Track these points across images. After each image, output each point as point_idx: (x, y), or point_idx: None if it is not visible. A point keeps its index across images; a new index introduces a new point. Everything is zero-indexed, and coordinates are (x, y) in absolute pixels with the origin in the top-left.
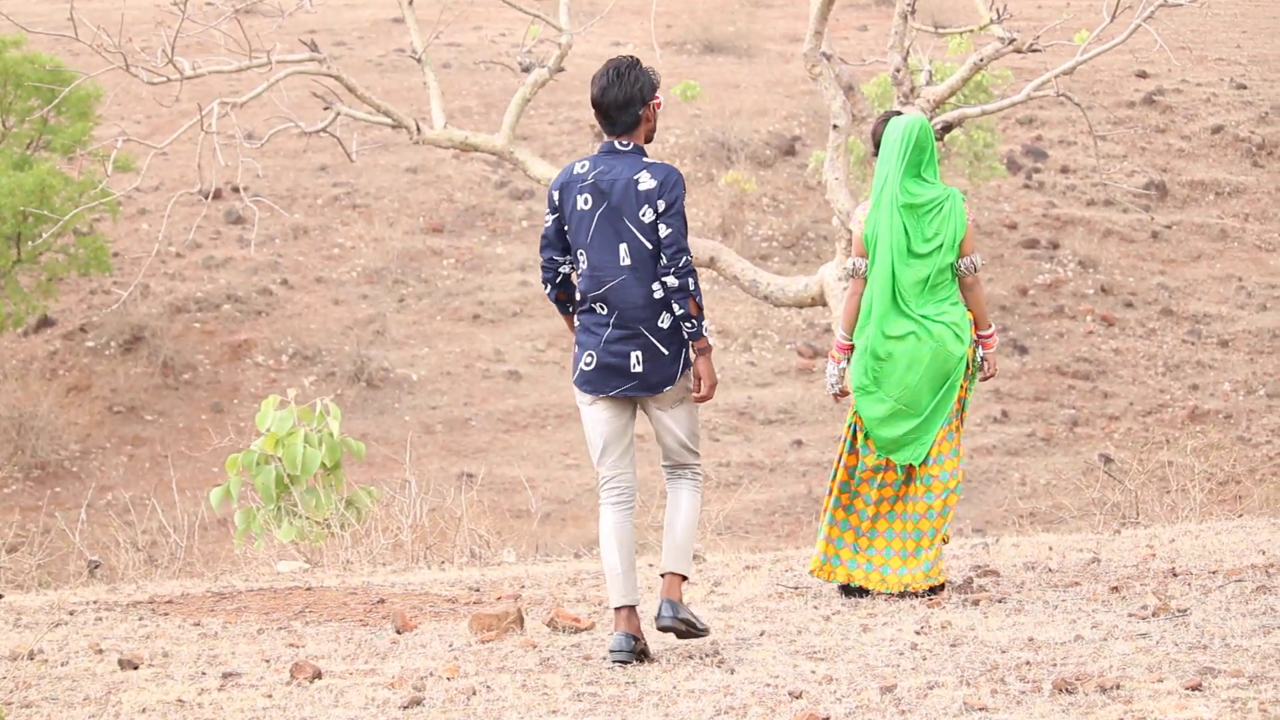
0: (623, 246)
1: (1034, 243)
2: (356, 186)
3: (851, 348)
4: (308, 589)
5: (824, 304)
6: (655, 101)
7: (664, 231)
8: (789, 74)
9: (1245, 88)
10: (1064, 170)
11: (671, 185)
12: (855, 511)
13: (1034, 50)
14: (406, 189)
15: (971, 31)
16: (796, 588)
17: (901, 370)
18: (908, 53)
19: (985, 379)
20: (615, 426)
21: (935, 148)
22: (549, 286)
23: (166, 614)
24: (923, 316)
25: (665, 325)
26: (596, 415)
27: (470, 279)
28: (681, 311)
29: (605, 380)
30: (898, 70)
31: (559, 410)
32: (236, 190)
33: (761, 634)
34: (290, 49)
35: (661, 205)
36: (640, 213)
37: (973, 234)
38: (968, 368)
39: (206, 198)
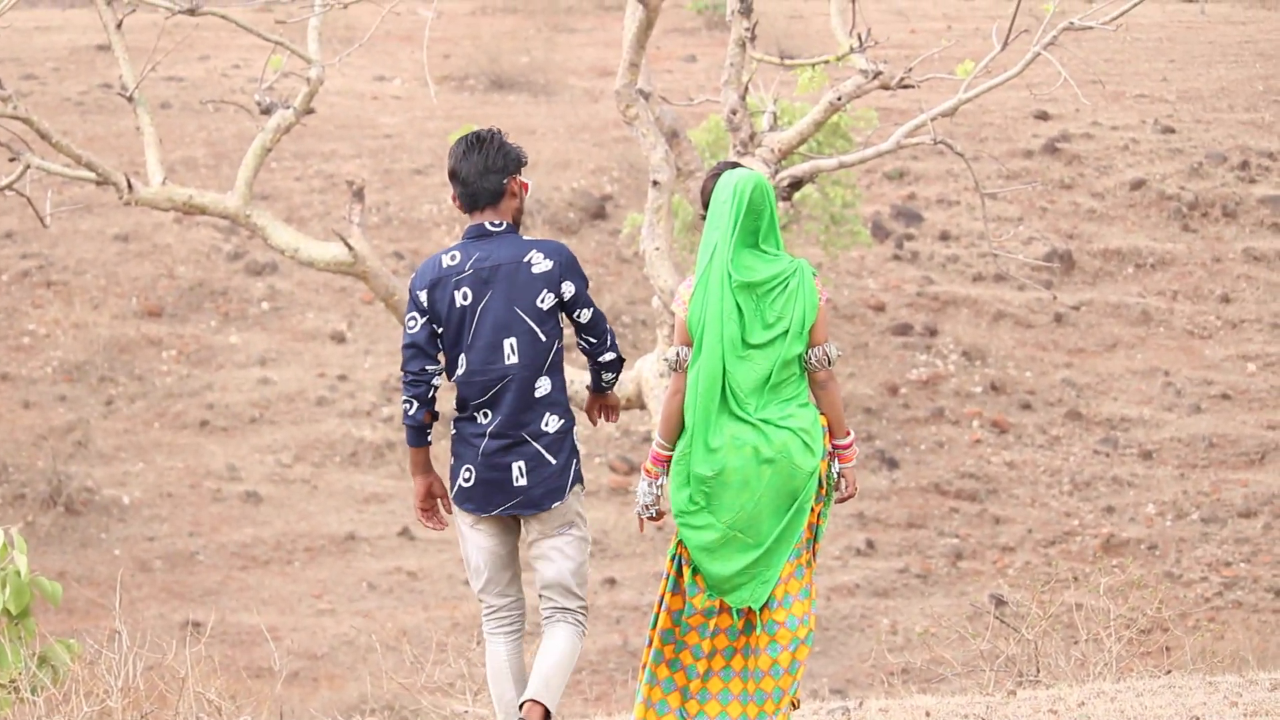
0: (509, 342)
1: (906, 328)
2: (52, 258)
3: (671, 459)
4: None
5: (642, 406)
6: (522, 181)
7: (586, 317)
8: (598, 116)
9: (1173, 132)
10: (944, 237)
11: (572, 264)
12: (682, 668)
13: (905, 86)
14: (115, 262)
15: (827, 63)
16: None
17: (735, 489)
18: (747, 90)
19: (843, 500)
20: (501, 551)
21: (776, 210)
22: (416, 406)
23: None
24: (763, 421)
25: (551, 429)
26: (479, 539)
27: (197, 376)
28: (610, 376)
29: (487, 497)
30: (734, 112)
31: (309, 541)
32: None
33: None
34: None
35: (569, 289)
36: (538, 299)
37: (826, 317)
38: (820, 486)
39: None
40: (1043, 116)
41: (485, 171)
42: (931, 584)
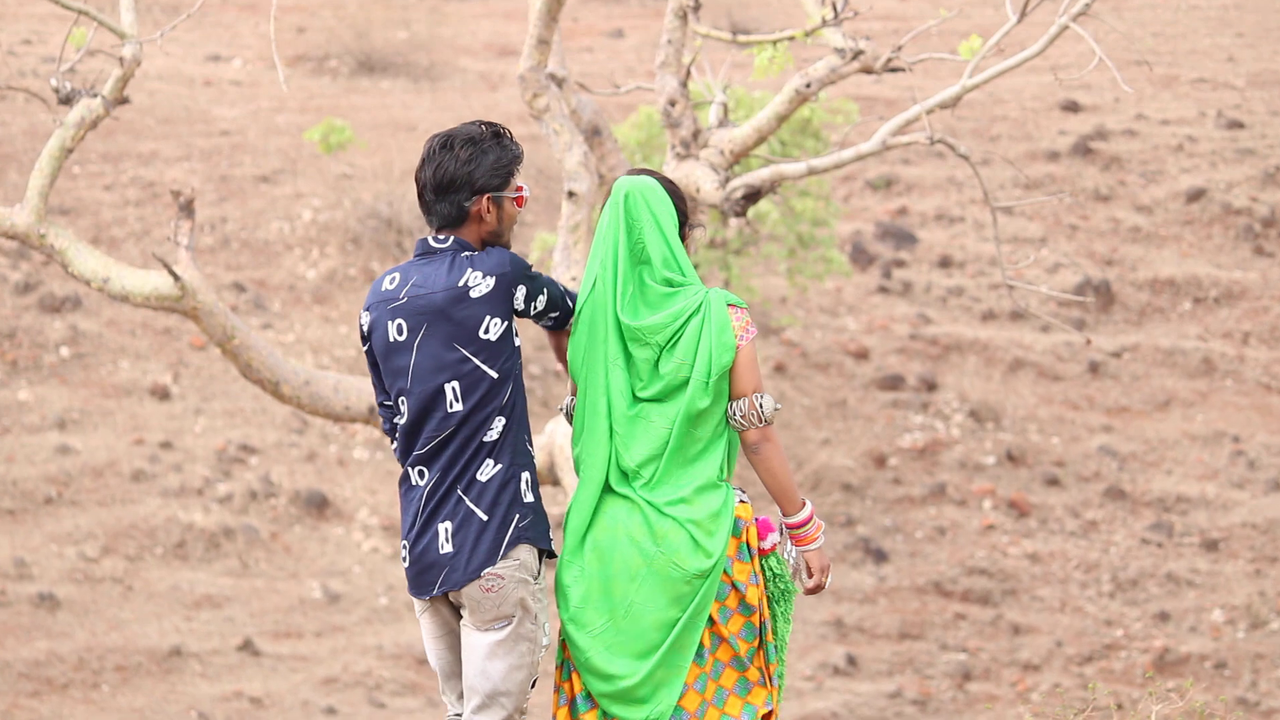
0: (451, 386)
1: (896, 381)
2: None
3: None
4: None
5: (555, 481)
6: (511, 193)
7: (542, 303)
8: (497, 108)
9: (1241, 127)
10: (944, 264)
11: (519, 272)
12: None
13: (894, 69)
14: None
15: (792, 40)
16: None
17: (607, 578)
18: (689, 74)
19: (812, 592)
20: (450, 654)
21: (666, 226)
22: (393, 446)
23: None
24: (648, 503)
25: (485, 477)
26: (426, 628)
27: None
28: None
29: (420, 575)
30: (673, 103)
31: (122, 658)
32: None
33: None
34: None
35: (520, 293)
36: (481, 328)
37: (753, 360)
38: (768, 580)
39: None
40: (1072, 108)
41: (441, 189)
42: (932, 711)
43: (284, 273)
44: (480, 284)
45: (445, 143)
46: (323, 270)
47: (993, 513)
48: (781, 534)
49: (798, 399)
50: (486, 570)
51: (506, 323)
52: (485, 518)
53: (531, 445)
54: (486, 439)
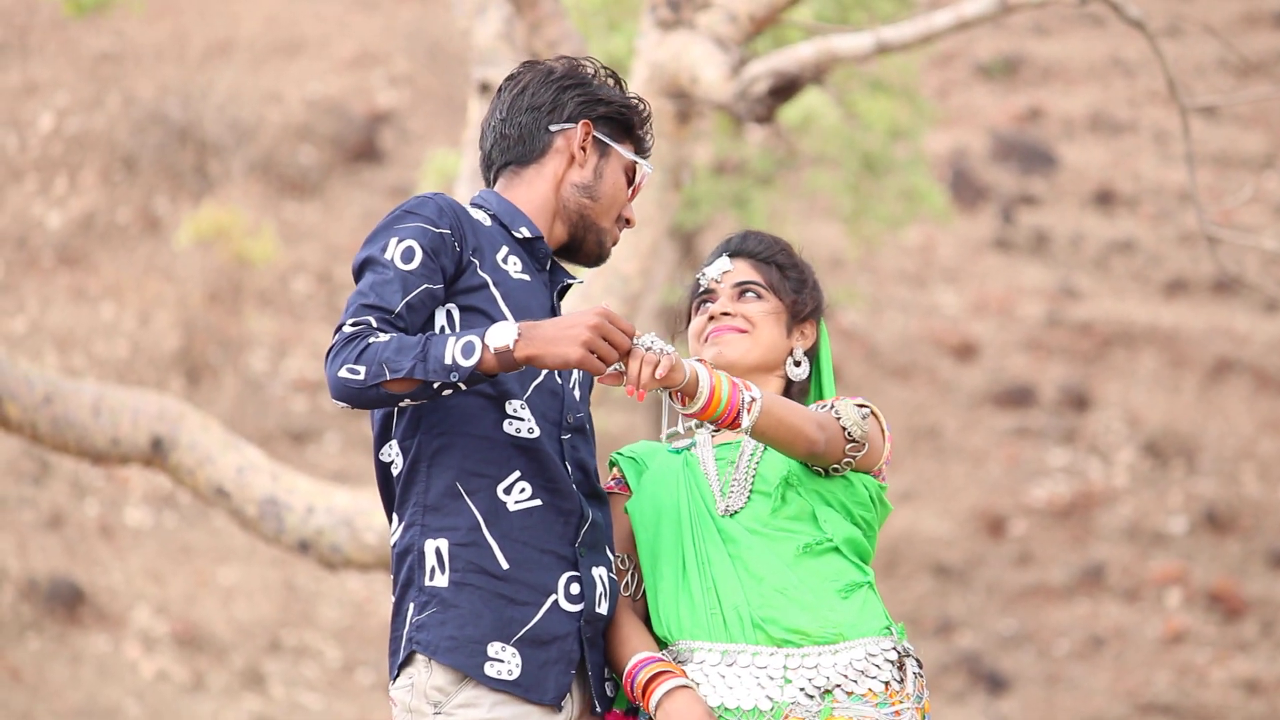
0: None
1: (1024, 395)
2: None
3: None
4: None
5: None
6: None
7: None
8: None
9: None
10: (1103, 201)
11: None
12: None
13: None
14: None
15: None
16: None
17: None
18: None
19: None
20: None
21: None
22: None
23: None
24: None
25: (392, 542)
26: None
27: None
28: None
29: None
30: None
31: None
32: None
33: None
34: None
35: None
36: None
37: None
38: None
39: None
40: None
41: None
42: None
43: (8, 218)
44: None
45: None
46: (74, 213)
47: (1184, 611)
48: None
49: None
50: (391, 691)
51: None
52: (394, 604)
53: (477, 499)
54: (393, 478)
